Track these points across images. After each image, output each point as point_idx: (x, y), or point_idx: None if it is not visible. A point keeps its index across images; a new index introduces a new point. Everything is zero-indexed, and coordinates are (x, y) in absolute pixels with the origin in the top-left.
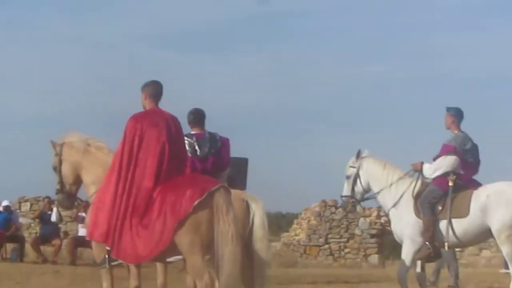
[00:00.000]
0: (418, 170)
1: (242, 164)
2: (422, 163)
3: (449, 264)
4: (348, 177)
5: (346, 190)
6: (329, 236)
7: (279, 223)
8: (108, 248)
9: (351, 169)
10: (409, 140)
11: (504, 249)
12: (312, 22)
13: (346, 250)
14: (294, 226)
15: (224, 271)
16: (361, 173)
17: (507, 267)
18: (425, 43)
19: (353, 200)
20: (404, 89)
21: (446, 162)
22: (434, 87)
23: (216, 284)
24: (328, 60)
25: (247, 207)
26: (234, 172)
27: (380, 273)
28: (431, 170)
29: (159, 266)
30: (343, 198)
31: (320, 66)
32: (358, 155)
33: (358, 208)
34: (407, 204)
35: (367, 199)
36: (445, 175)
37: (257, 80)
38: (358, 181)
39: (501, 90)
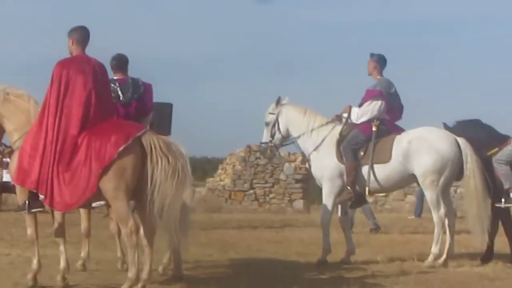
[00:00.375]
0: (347, 112)
1: (166, 110)
2: (350, 106)
3: (363, 208)
4: (267, 124)
5: (265, 137)
6: (254, 181)
7: (205, 168)
8: (41, 195)
9: (271, 115)
10: (334, 86)
11: (428, 195)
12: None
13: (271, 195)
14: (219, 171)
15: (166, 204)
16: (280, 119)
17: (417, 214)
18: None
19: (272, 146)
20: (331, 36)
21: (372, 107)
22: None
23: (141, 230)
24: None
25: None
26: (159, 118)
27: (304, 218)
28: (358, 115)
29: (82, 212)
30: (263, 144)
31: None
32: (278, 102)
33: (281, 153)
34: (329, 148)
35: (286, 144)
36: (369, 121)
37: (181, 28)
38: (277, 127)
39: (432, 35)
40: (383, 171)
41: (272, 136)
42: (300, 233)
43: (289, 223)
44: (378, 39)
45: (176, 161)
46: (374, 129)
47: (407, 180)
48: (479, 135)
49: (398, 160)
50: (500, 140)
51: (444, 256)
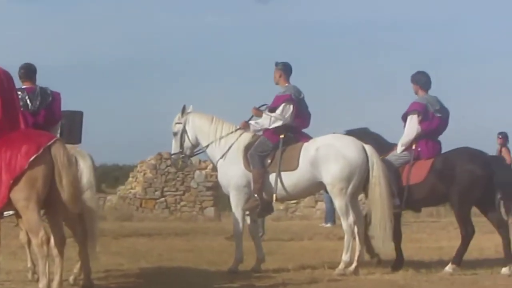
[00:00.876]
0: (259, 115)
1: (76, 117)
2: (246, 122)
3: None
4: (175, 134)
5: (174, 148)
6: (165, 189)
7: (117, 175)
8: None
9: (178, 125)
10: (243, 93)
11: (337, 203)
12: None
13: (182, 203)
14: (130, 179)
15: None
16: (187, 128)
17: (327, 221)
18: None
19: (183, 156)
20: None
21: (284, 114)
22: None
23: (52, 240)
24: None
25: (76, 163)
26: (69, 126)
27: (216, 226)
28: (271, 121)
29: None
30: (173, 156)
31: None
32: (183, 111)
33: (192, 161)
34: (236, 156)
35: (197, 154)
36: (279, 127)
37: (95, 32)
38: (185, 136)
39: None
40: (290, 179)
41: (182, 145)
42: (211, 242)
43: (201, 231)
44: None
45: (77, 172)
46: (281, 136)
47: (315, 187)
48: (367, 143)
49: (306, 168)
50: (387, 148)
51: (355, 263)
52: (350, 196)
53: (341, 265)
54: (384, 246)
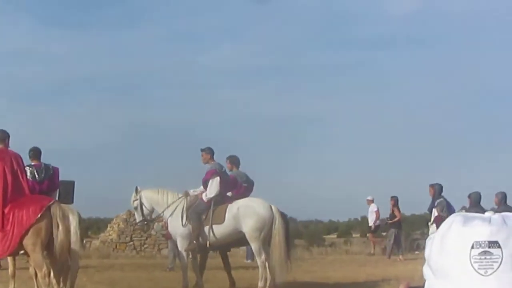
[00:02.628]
0: (188, 195)
1: (70, 185)
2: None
3: (174, 251)
4: (136, 208)
5: (138, 218)
6: (133, 235)
7: (99, 225)
8: None
9: (135, 202)
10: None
11: (253, 246)
12: None
13: (145, 245)
14: (108, 228)
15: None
16: (143, 201)
17: (248, 258)
18: None
19: (146, 222)
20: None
21: (215, 185)
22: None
23: (51, 274)
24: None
25: (68, 217)
26: (64, 191)
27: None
28: (208, 191)
29: (9, 258)
30: (139, 223)
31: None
32: (136, 190)
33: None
34: (181, 214)
35: (156, 218)
36: (213, 195)
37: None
38: (144, 207)
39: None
40: (218, 230)
41: (143, 214)
42: (166, 273)
43: (159, 265)
44: None
45: (69, 224)
46: (212, 200)
47: (238, 235)
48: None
49: (230, 222)
50: None
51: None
52: (262, 241)
53: None
54: (280, 276)
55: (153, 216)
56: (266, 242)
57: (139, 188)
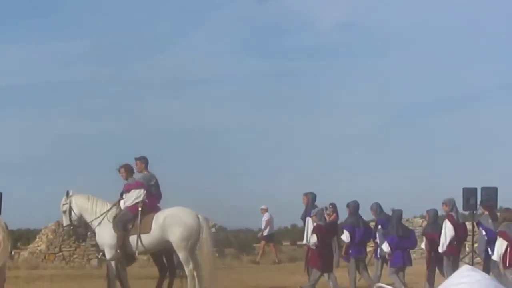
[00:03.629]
0: (116, 204)
1: None
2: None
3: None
4: (64, 212)
5: (65, 222)
6: (62, 246)
7: (28, 236)
8: None
9: (65, 205)
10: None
11: (181, 255)
12: None
13: (75, 256)
14: (37, 239)
15: None
16: (72, 206)
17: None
18: None
19: (73, 227)
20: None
21: (136, 194)
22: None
23: None
24: None
25: None
26: None
27: (98, 272)
28: (127, 199)
29: None
30: (65, 227)
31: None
32: (67, 194)
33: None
34: (108, 223)
35: (82, 224)
36: (135, 203)
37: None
38: (72, 213)
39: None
40: (146, 239)
41: (70, 220)
42: (96, 283)
43: (87, 275)
44: None
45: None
46: (139, 209)
47: (165, 244)
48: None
49: (157, 231)
50: None
51: None
52: (189, 250)
53: None
54: (210, 285)
55: (81, 223)
56: (193, 251)
57: (70, 193)
